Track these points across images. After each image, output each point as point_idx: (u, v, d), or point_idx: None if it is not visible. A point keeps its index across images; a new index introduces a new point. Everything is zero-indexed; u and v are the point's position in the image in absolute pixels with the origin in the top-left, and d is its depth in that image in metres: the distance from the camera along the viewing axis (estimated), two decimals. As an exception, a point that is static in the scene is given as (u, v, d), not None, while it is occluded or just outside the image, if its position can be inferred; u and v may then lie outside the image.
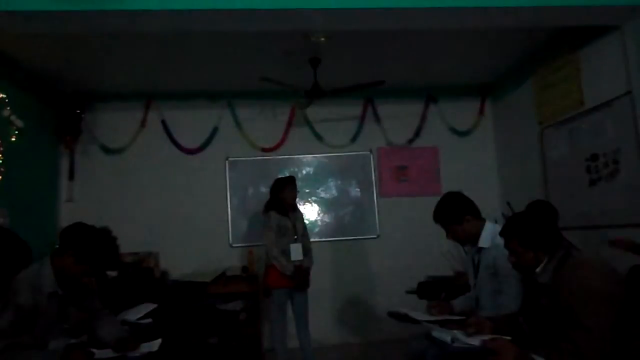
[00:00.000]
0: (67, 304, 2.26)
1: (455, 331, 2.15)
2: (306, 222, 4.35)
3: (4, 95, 3.99)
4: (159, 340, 2.29)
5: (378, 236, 5.39)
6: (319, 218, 5.37)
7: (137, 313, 3.03)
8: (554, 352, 1.77)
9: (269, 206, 4.03)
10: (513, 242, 2.00)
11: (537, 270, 1.96)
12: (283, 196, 3.99)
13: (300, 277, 3.88)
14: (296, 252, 3.89)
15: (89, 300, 2.41)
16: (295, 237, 3.95)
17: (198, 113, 5.33)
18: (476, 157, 5.53)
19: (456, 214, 2.52)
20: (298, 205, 4.29)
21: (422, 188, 5.41)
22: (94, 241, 2.19)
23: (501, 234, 2.08)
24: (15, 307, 2.03)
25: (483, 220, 2.56)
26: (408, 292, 4.25)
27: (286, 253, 3.87)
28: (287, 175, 4.36)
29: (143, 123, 5.25)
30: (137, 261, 4.73)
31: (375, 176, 5.50)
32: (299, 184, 5.21)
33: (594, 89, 3.91)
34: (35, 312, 2.08)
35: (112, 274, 4.14)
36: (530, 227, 1.98)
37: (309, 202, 5.38)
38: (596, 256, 1.91)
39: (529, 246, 1.96)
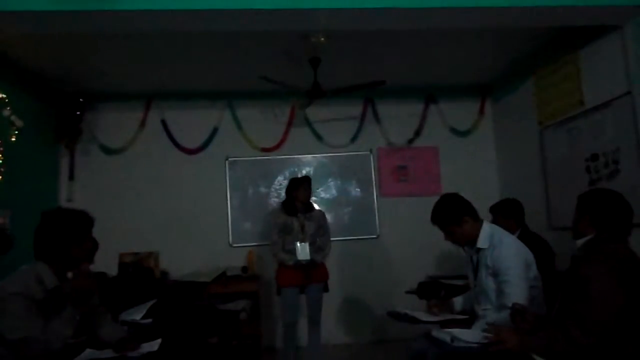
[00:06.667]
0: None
1: (455, 330, 2.16)
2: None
3: (4, 95, 3.99)
4: (159, 340, 2.29)
5: (378, 236, 5.39)
6: (319, 218, 5.36)
7: (138, 313, 3.03)
8: (558, 331, 1.79)
9: (282, 205, 4.14)
10: None
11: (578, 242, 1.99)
12: (295, 195, 4.04)
13: (306, 270, 3.90)
14: (302, 251, 3.93)
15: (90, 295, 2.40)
16: (303, 236, 3.96)
17: (198, 113, 5.33)
18: (476, 157, 5.53)
19: (454, 216, 2.52)
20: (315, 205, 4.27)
21: (422, 188, 5.41)
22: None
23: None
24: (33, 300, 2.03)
25: (481, 221, 2.57)
26: (408, 292, 4.25)
27: (291, 251, 3.93)
28: (303, 175, 4.28)
29: (143, 123, 5.26)
30: (137, 261, 4.74)
31: (375, 176, 5.49)
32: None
33: (594, 89, 3.90)
34: (47, 305, 2.08)
35: (112, 274, 4.14)
36: None
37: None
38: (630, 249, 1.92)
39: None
